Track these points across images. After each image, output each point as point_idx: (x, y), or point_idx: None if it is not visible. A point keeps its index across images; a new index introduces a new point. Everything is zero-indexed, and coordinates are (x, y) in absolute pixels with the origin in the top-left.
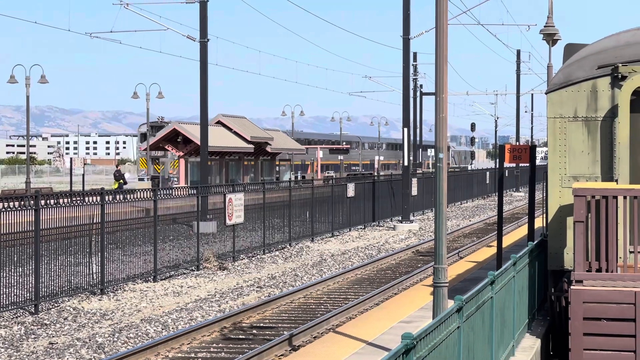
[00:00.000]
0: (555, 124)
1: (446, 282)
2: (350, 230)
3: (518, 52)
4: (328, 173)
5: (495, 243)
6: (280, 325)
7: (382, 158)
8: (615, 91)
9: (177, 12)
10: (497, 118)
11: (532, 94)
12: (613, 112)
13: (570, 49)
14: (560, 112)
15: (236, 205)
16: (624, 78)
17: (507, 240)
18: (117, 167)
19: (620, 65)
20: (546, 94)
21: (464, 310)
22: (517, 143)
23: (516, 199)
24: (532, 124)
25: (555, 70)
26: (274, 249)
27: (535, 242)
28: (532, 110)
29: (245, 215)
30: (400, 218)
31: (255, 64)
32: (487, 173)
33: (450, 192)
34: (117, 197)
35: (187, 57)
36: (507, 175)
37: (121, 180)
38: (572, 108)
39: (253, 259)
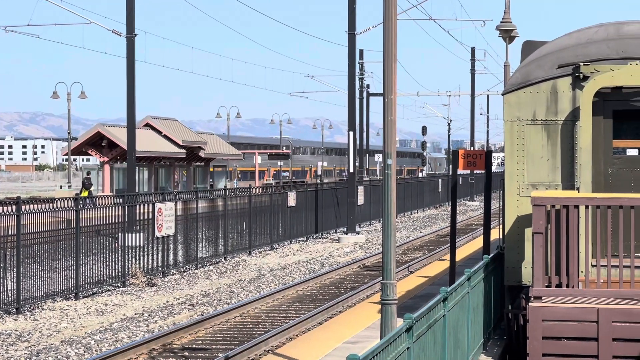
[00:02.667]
0: (513, 128)
1: (395, 299)
2: (291, 243)
3: (472, 49)
4: (279, 181)
5: (448, 256)
6: (214, 346)
7: (325, 164)
8: (577, 92)
9: (102, 5)
10: (450, 121)
11: (487, 95)
12: (574, 115)
13: (529, 47)
14: (518, 115)
15: (166, 216)
16: (585, 78)
17: (461, 254)
18: (87, 174)
19: (582, 64)
20: (503, 95)
21: (414, 330)
22: (472, 148)
23: (471, 208)
24: (487, 127)
25: (512, 70)
26: (208, 263)
27: (491, 255)
28: (487, 112)
29: (176, 226)
30: (345, 229)
31: (187, 61)
32: (440, 181)
33: (400, 201)
34: (35, 207)
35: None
36: (460, 183)
37: (91, 189)
38: (530, 110)
39: (185, 274)
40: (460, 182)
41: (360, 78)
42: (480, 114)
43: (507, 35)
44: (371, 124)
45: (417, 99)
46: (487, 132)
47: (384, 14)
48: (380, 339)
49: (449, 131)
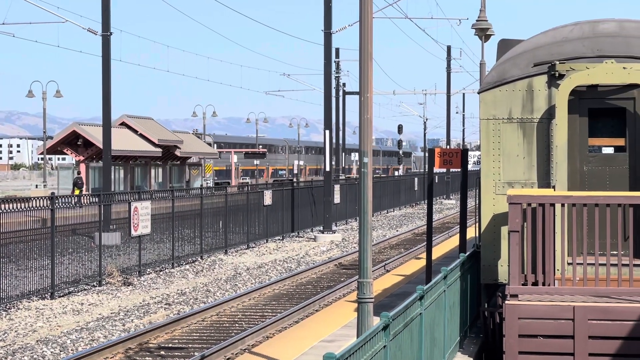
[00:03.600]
0: (489, 126)
1: (371, 298)
2: (267, 242)
3: (448, 48)
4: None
5: (424, 255)
6: (190, 345)
7: (301, 163)
8: (553, 91)
9: (77, 3)
10: (426, 119)
11: (463, 94)
12: (550, 113)
13: (505, 45)
14: (494, 113)
15: (142, 215)
16: (561, 76)
17: (437, 252)
18: (78, 173)
19: (558, 62)
20: (479, 93)
21: (390, 328)
22: (448, 146)
23: (447, 207)
24: (463, 125)
25: (488, 68)
26: (184, 262)
27: (467, 253)
28: (463, 111)
29: (152, 225)
30: (321, 228)
31: (163, 60)
32: (416, 179)
33: (376, 199)
34: (11, 206)
35: (88, 52)
36: (437, 181)
37: (83, 188)
38: (506, 109)
39: (161, 273)
40: (437, 181)
41: (336, 77)
42: (457, 113)
43: (483, 33)
44: (347, 123)
45: (393, 97)
46: (463, 130)
47: (360, 12)
48: (357, 337)
49: (425, 129)
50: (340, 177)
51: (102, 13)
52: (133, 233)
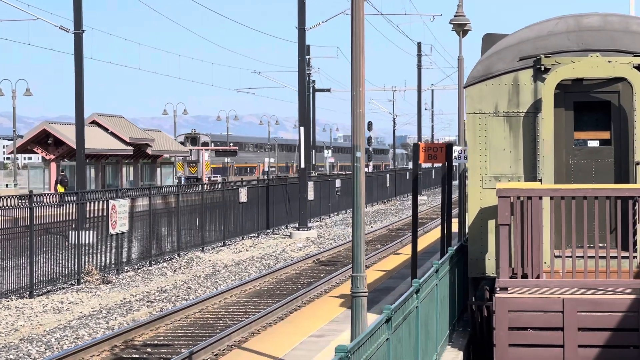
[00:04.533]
0: (475, 121)
1: (365, 292)
2: (243, 239)
3: (419, 44)
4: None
5: (402, 250)
6: (176, 342)
7: (272, 160)
8: (538, 84)
9: (48, 1)
10: (396, 116)
11: (432, 90)
12: (536, 107)
13: (489, 40)
14: (480, 108)
15: (120, 213)
16: (547, 70)
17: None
18: (62, 171)
19: (543, 56)
20: (465, 87)
21: (392, 321)
22: (420, 142)
23: (420, 202)
24: (432, 122)
25: (467, 63)
26: (162, 260)
27: (454, 247)
28: (432, 107)
29: (130, 223)
30: (297, 225)
31: (134, 57)
32: (388, 176)
33: (349, 196)
34: None
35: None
36: (407, 177)
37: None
38: (492, 103)
39: (139, 271)
40: (407, 177)
41: (307, 73)
42: (425, 109)
43: (461, 29)
44: (316, 121)
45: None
46: (432, 127)
47: (352, 5)
48: (352, 331)
49: (394, 126)
50: (312, 174)
51: (74, 11)
52: (111, 231)
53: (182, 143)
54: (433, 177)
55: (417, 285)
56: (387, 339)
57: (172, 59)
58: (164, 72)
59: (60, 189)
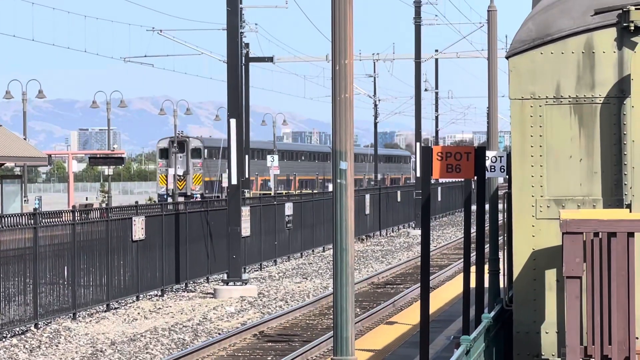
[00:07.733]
0: (524, 110)
1: None
2: (138, 299)
3: None
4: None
5: (396, 318)
6: None
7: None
8: (626, 53)
9: None
10: (378, 101)
11: (436, 60)
12: (622, 89)
13: None
14: (533, 90)
15: None
16: (638, 30)
17: (414, 311)
18: None
19: (633, 7)
20: (507, 58)
21: None
22: (416, 143)
23: (417, 240)
24: (436, 110)
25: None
26: (9, 333)
27: (492, 313)
28: (436, 86)
29: None
30: (225, 276)
31: None
32: (368, 197)
33: (307, 230)
34: None
35: None
36: (399, 200)
37: None
38: (552, 82)
39: None
40: (398, 199)
41: (240, 33)
42: (426, 90)
43: None
44: (253, 108)
45: (326, 66)
46: (437, 118)
47: None
48: None
49: (375, 117)
50: (245, 194)
51: None
52: None
53: (165, 149)
54: (439, 198)
55: None
56: None
57: (25, 10)
58: (10, 31)
59: None
